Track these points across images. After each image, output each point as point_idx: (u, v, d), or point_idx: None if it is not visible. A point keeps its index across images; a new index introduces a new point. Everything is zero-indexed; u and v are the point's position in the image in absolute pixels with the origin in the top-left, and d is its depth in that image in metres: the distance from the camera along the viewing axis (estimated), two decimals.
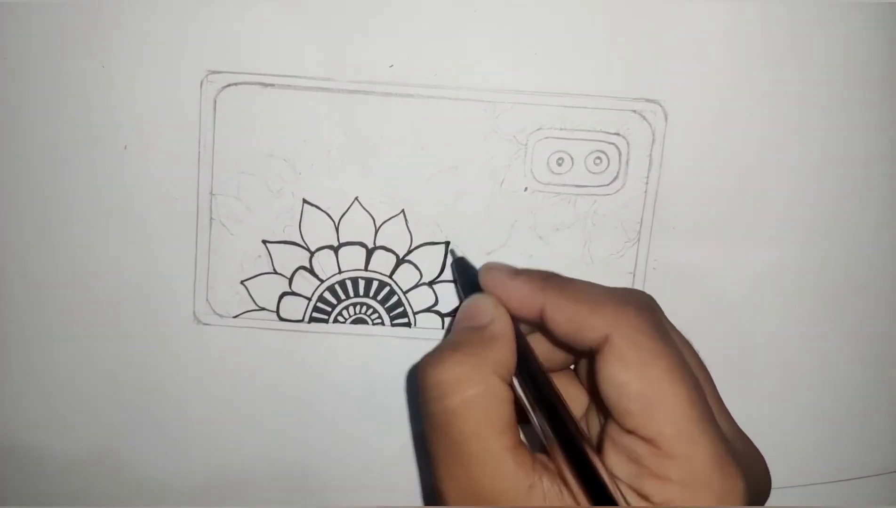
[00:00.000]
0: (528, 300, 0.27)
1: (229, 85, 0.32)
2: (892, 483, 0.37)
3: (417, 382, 0.26)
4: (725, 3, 0.32)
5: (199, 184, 0.33)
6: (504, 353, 0.26)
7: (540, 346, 0.29)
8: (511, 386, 0.26)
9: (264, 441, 0.35)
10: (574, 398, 0.30)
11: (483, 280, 0.29)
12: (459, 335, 0.27)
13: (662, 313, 0.27)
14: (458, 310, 0.29)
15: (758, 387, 0.35)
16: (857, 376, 0.36)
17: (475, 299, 0.28)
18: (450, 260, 0.33)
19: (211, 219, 0.33)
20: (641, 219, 0.33)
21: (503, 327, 0.27)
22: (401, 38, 0.32)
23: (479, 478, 0.25)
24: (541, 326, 0.28)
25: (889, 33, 0.32)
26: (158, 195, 0.33)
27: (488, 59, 0.32)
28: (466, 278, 0.31)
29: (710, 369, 0.33)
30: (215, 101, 0.32)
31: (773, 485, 0.29)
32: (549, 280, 0.27)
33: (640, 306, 0.26)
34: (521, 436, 0.26)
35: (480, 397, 0.25)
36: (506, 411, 0.25)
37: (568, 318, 0.26)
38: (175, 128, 0.32)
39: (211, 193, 0.33)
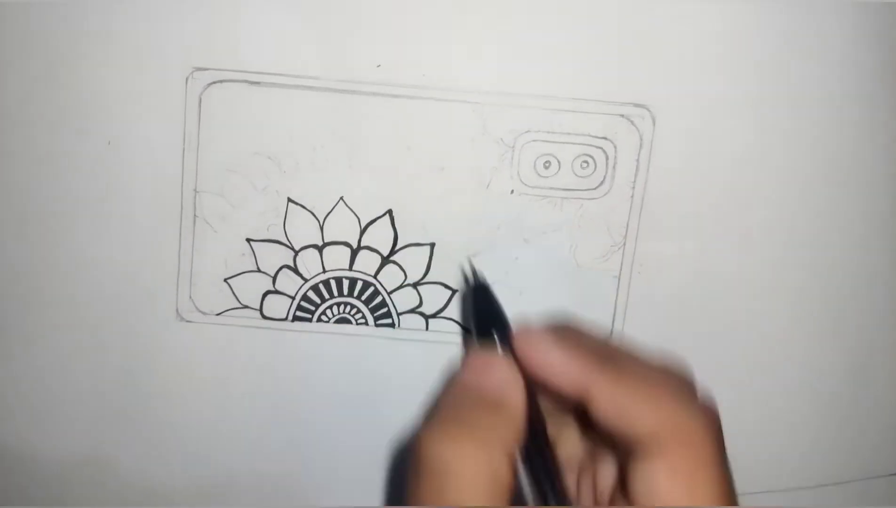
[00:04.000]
0: (573, 380, 0.24)
1: (215, 82, 0.32)
2: (886, 486, 0.37)
3: (414, 450, 0.24)
4: (716, 9, 0.31)
5: (183, 181, 0.32)
6: (513, 431, 0.24)
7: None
8: (513, 459, 0.24)
9: (247, 440, 0.35)
10: (569, 442, 0.27)
11: (519, 345, 0.25)
12: (467, 406, 0.24)
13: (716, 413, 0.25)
14: (465, 362, 0.26)
15: (748, 389, 0.35)
16: (850, 376, 0.36)
17: (489, 362, 0.25)
18: (468, 280, 0.29)
19: (195, 216, 0.33)
20: (627, 223, 0.33)
21: (517, 402, 0.24)
22: (388, 37, 0.31)
23: None
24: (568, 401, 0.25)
25: (878, 35, 0.32)
26: (142, 191, 0.32)
27: (476, 61, 0.32)
28: (484, 316, 0.27)
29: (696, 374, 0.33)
30: (200, 98, 0.32)
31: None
32: (602, 362, 0.24)
33: (697, 407, 0.23)
34: None
35: (481, 478, 0.23)
36: (503, 494, 0.23)
37: (619, 413, 0.23)
38: (159, 125, 0.32)
39: (195, 190, 0.32)
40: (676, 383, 0.24)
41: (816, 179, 0.33)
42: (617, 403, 0.23)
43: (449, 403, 0.24)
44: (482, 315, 0.27)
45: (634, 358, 0.25)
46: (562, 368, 0.24)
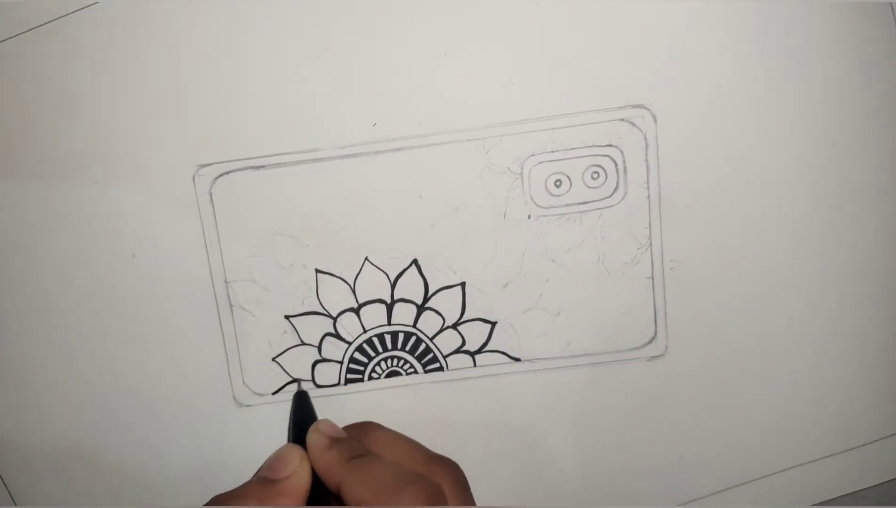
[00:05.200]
0: (329, 474, 0.27)
1: (221, 175, 0.32)
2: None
3: None
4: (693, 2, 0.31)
5: (212, 275, 0.33)
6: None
7: None
8: None
9: None
10: None
11: (308, 438, 0.28)
12: (252, 483, 0.28)
13: (464, 487, 0.27)
14: (271, 456, 0.29)
15: (781, 371, 0.35)
16: (876, 345, 0.35)
17: (284, 449, 0.28)
18: (294, 389, 0.32)
19: (231, 305, 0.33)
20: (649, 224, 0.33)
21: (298, 485, 0.27)
22: (378, 95, 0.32)
23: None
24: None
25: (872, 29, 0.32)
26: (175, 294, 0.33)
27: (468, 98, 0.32)
28: (297, 419, 0.30)
29: (738, 357, 0.33)
30: (211, 193, 0.32)
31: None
32: (353, 460, 0.27)
33: (432, 495, 0.26)
34: None
35: None
36: None
37: (356, 502, 0.26)
38: (177, 227, 0.33)
39: (226, 281, 0.33)
40: (409, 480, 0.26)
41: (825, 146, 0.33)
42: (360, 497, 0.26)
43: (244, 486, 0.28)
44: (296, 419, 0.30)
45: (385, 463, 0.27)
46: (324, 464, 0.27)
